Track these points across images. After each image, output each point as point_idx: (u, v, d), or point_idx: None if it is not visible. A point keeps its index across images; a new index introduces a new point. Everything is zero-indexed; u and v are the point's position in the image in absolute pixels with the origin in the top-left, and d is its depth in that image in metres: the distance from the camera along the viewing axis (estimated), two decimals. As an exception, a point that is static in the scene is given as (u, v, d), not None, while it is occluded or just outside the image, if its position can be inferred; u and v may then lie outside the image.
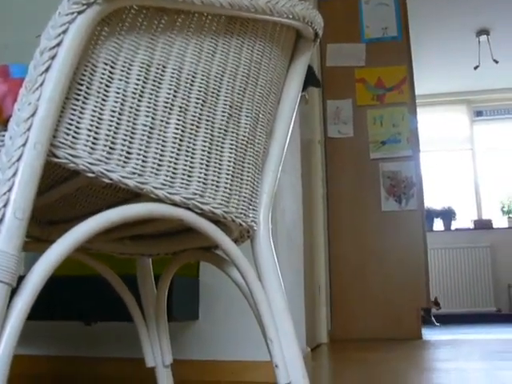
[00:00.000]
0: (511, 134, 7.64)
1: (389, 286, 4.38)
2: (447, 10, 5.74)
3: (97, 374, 2.24)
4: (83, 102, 0.79)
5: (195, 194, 0.91)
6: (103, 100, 0.81)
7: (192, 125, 0.91)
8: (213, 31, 0.94)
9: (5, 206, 0.69)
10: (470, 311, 6.87)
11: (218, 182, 0.95)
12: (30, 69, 0.75)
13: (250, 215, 1.03)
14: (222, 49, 0.96)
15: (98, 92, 0.81)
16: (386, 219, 4.48)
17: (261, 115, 1.05)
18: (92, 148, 0.79)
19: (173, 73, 0.89)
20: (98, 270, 1.34)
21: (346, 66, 4.70)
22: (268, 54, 1.05)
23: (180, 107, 0.89)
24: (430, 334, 4.75)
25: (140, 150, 0.84)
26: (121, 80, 0.83)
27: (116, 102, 0.82)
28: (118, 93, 0.83)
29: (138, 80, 0.85)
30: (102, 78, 0.81)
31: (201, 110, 0.92)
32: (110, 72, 0.82)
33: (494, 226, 7.21)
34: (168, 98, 0.88)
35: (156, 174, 0.86)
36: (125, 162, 0.83)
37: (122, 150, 0.83)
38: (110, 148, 0.81)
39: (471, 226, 7.30)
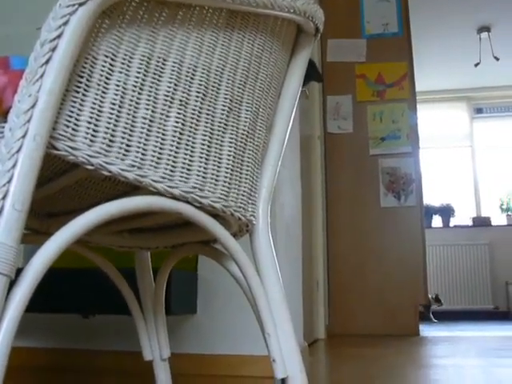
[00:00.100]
0: (511, 132, 7.64)
1: (387, 282, 4.39)
2: (448, 6, 5.73)
3: (95, 367, 2.25)
4: (83, 95, 0.79)
5: (194, 187, 0.91)
6: (103, 92, 0.81)
7: (192, 118, 0.91)
8: (214, 25, 0.94)
9: (4, 197, 0.69)
10: (468, 308, 6.88)
11: (217, 175, 0.95)
12: (30, 60, 0.74)
13: (249, 209, 1.03)
14: (222, 43, 0.95)
15: (99, 84, 0.81)
16: (384, 215, 4.49)
17: (261, 110, 1.05)
18: (91, 140, 0.79)
19: (173, 66, 0.89)
20: (97, 263, 1.34)
21: (346, 61, 4.70)
22: (269, 48, 1.04)
23: (180, 101, 0.89)
24: (427, 331, 4.76)
25: (139, 142, 0.84)
26: (121, 73, 0.83)
27: (116, 94, 0.82)
28: (118, 85, 0.82)
29: (139, 73, 0.85)
30: (103, 71, 0.81)
31: (201, 103, 0.92)
32: (111, 64, 0.82)
33: (493, 223, 7.21)
34: (168, 92, 0.88)
35: (155, 167, 0.86)
36: (124, 154, 0.83)
37: (122, 143, 0.82)
38: (110, 141, 0.81)
39: (470, 223, 7.30)
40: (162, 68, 0.87)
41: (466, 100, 7.78)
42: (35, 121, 0.72)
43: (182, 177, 0.89)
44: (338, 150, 4.62)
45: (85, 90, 0.79)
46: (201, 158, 0.92)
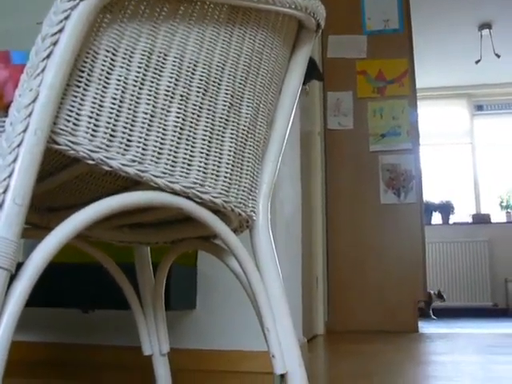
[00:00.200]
0: (511, 129, 7.63)
1: (386, 279, 4.39)
2: (449, 3, 5.72)
3: (94, 362, 2.25)
4: (84, 89, 0.79)
5: (195, 183, 0.91)
6: (104, 87, 0.81)
7: (193, 114, 0.91)
8: (215, 20, 0.94)
9: (4, 191, 0.69)
10: (467, 305, 6.89)
11: (218, 171, 0.95)
12: (31, 55, 0.74)
13: (250, 205, 1.03)
14: (223, 38, 0.95)
15: (100, 79, 0.81)
16: (384, 212, 4.49)
17: (262, 105, 1.05)
18: (92, 135, 0.79)
19: (174, 61, 0.89)
20: (97, 258, 1.34)
21: (347, 57, 4.70)
22: (270, 44, 1.04)
23: (181, 96, 0.89)
24: (426, 328, 4.77)
25: (140, 137, 0.84)
26: (122, 67, 0.83)
27: (117, 89, 0.82)
28: (119, 80, 0.82)
29: (140, 68, 0.85)
30: (104, 66, 0.81)
31: (202, 99, 0.92)
32: (112, 59, 0.82)
33: (493, 220, 7.22)
34: (169, 87, 0.88)
35: (156, 163, 0.86)
36: (125, 149, 0.83)
37: (123, 138, 0.82)
38: (111, 135, 0.81)
39: (469, 220, 7.30)
40: (162, 63, 0.87)
41: (467, 97, 7.78)
42: (36, 115, 0.72)
43: (182, 172, 0.89)
44: (339, 146, 4.62)
45: (86, 84, 0.79)
46: (201, 153, 0.92)
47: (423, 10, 5.64)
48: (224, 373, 2.09)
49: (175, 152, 0.89)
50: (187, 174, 0.90)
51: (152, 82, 0.86)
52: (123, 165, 0.82)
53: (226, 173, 0.97)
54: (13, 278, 0.70)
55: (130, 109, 0.83)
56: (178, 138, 0.89)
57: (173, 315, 2.19)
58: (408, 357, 2.64)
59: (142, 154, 0.84)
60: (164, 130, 0.87)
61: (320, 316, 4.07)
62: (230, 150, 0.97)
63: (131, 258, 1.43)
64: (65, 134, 0.77)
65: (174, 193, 0.89)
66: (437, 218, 7.37)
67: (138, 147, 0.84)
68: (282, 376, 1.01)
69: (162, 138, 0.87)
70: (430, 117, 7.49)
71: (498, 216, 7.33)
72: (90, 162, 0.80)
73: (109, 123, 0.81)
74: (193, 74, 0.91)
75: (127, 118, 0.83)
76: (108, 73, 0.82)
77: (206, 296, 2.23)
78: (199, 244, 1.24)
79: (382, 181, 4.53)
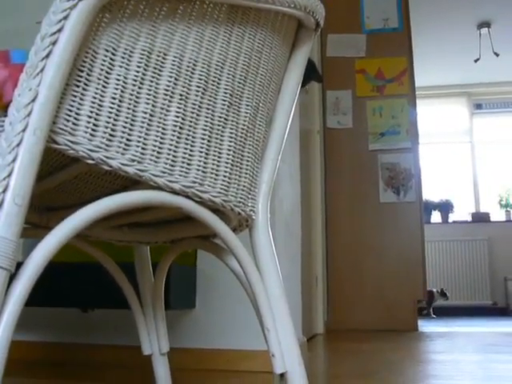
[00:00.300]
0: (510, 128, 7.64)
1: (385, 278, 4.39)
2: (448, 2, 5.73)
3: (94, 361, 2.25)
4: (83, 89, 0.79)
5: (194, 182, 0.91)
6: (104, 87, 0.81)
7: (192, 113, 0.91)
8: (214, 20, 0.94)
9: (4, 191, 0.69)
10: (467, 304, 6.89)
11: (217, 170, 0.95)
12: (30, 54, 0.74)
13: (249, 204, 1.03)
14: (223, 37, 0.95)
15: (99, 79, 0.81)
16: (383, 211, 4.49)
17: (261, 104, 1.05)
18: (92, 135, 0.79)
19: (174, 61, 0.89)
20: (97, 257, 1.34)
21: (346, 56, 4.70)
22: (269, 43, 1.04)
23: (180, 95, 0.89)
24: (425, 326, 4.77)
25: (140, 137, 0.84)
26: (121, 67, 0.83)
27: (116, 88, 0.82)
28: (118, 80, 0.82)
29: (139, 67, 0.85)
30: (103, 65, 0.81)
31: (201, 98, 0.92)
32: (111, 59, 0.82)
33: (492, 219, 7.22)
34: (168, 86, 0.88)
35: (155, 162, 0.86)
36: (124, 149, 0.83)
37: (122, 137, 0.82)
38: (110, 135, 0.81)
39: (469, 218, 7.31)
40: (162, 62, 0.87)
41: (466, 96, 7.78)
42: (35, 115, 0.72)
43: (182, 171, 0.89)
44: (338, 145, 4.62)
45: (85, 84, 0.79)
46: (201, 152, 0.92)
47: (422, 9, 5.64)
48: (224, 372, 2.09)
49: (174, 151, 0.89)
50: (186, 173, 0.90)
51: (151, 81, 0.86)
52: (123, 164, 0.82)
53: (226, 172, 0.97)
54: (12, 277, 0.70)
55: (129, 108, 0.83)
56: (178, 137, 0.89)
57: (172, 315, 2.19)
58: (408, 356, 2.64)
59: (142, 154, 0.84)
60: (163, 129, 0.87)
61: (320, 315, 4.07)
62: (229, 149, 0.97)
63: (131, 258, 1.43)
64: (64, 134, 0.77)
65: (174, 192, 0.89)
66: (436, 217, 7.38)
67: (138, 146, 0.84)
68: (282, 375, 1.01)
69: (162, 138, 0.87)
70: (429, 115, 7.49)
71: (498, 215, 7.34)
72: (90, 161, 0.80)
73: (108, 123, 0.81)
74: (192, 73, 0.91)
75: (127, 118, 0.83)
76: (107, 72, 0.81)
77: (205, 295, 2.23)
78: (199, 243, 1.24)
79: (382, 179, 4.53)
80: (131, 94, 0.84)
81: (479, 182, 7.56)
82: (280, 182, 2.37)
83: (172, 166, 0.88)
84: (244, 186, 1.01)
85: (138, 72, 0.84)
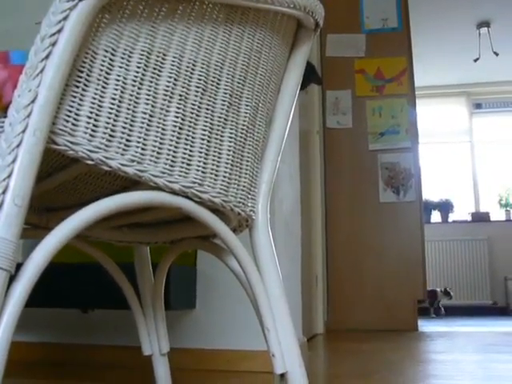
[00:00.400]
0: (510, 127, 7.64)
1: (385, 278, 4.39)
2: (448, 1, 5.72)
3: (94, 362, 2.25)
4: (83, 89, 0.79)
5: (194, 182, 0.91)
6: (103, 87, 0.81)
7: (192, 113, 0.91)
8: (213, 20, 0.94)
9: (4, 192, 0.69)
10: (467, 303, 6.89)
11: (217, 170, 0.95)
12: (30, 55, 0.74)
13: (249, 204, 1.03)
14: (222, 37, 0.95)
15: (98, 79, 0.81)
16: (383, 210, 4.49)
17: (260, 104, 1.05)
18: (91, 135, 0.79)
19: (173, 61, 0.89)
20: (96, 258, 1.34)
21: (345, 56, 4.70)
22: (268, 43, 1.04)
23: (180, 95, 0.89)
24: (425, 326, 4.77)
25: (139, 137, 0.84)
26: (121, 67, 0.83)
27: (116, 89, 0.82)
28: (118, 80, 0.82)
29: (139, 68, 0.85)
30: (103, 66, 0.81)
31: (201, 98, 0.92)
32: (111, 59, 0.82)
33: (492, 218, 7.22)
34: (168, 86, 0.88)
35: (155, 162, 0.86)
36: (124, 149, 0.83)
37: (122, 138, 0.82)
38: (110, 135, 0.81)
39: (469, 218, 7.30)
40: (161, 63, 0.87)
41: (466, 95, 7.78)
42: (35, 116, 0.72)
43: (181, 172, 0.89)
44: (338, 145, 4.62)
45: (85, 84, 0.79)
46: (200, 152, 0.92)
47: (422, 9, 5.64)
48: (224, 372, 2.09)
49: (174, 152, 0.89)
50: (186, 173, 0.90)
51: (151, 81, 0.86)
52: (122, 165, 0.82)
53: (225, 172, 0.97)
54: (12, 278, 0.70)
55: (129, 109, 0.83)
56: (177, 137, 0.89)
57: (172, 315, 2.19)
58: (408, 355, 2.64)
59: (141, 154, 0.84)
60: (163, 129, 0.87)
61: (320, 315, 4.07)
62: (229, 150, 0.97)
63: (131, 258, 1.43)
64: (64, 135, 0.77)
65: (173, 192, 0.89)
66: (436, 217, 7.38)
67: (137, 147, 0.84)
68: (282, 375, 1.01)
69: (161, 138, 0.87)
70: (428, 115, 7.49)
71: (498, 214, 7.34)
72: (89, 162, 0.80)
73: (108, 123, 0.81)
74: (191, 73, 0.91)
75: (126, 118, 0.83)
76: (107, 73, 0.81)
77: (205, 295, 2.23)
78: (198, 244, 1.24)
79: (381, 179, 4.53)
80: (131, 95, 0.84)
81: (479, 181, 7.55)
82: (280, 182, 2.37)
83: (172, 166, 0.88)
84: (244, 186, 1.01)
85: (137, 72, 0.84)
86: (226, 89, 0.96)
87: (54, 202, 1.17)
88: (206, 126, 0.93)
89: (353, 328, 4.27)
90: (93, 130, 0.79)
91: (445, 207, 7.35)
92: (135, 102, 0.84)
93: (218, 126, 0.95)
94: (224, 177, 0.96)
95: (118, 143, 0.82)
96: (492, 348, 2.93)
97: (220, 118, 0.95)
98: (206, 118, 0.93)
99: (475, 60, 6.62)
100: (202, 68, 0.92)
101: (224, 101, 0.96)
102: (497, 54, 6.45)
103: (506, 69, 7.15)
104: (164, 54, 0.88)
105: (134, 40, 0.84)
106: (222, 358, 2.14)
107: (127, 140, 0.83)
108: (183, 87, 0.90)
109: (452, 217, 7.37)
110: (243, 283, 1.06)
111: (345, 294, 4.40)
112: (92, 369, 2.16)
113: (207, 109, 0.93)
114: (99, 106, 0.80)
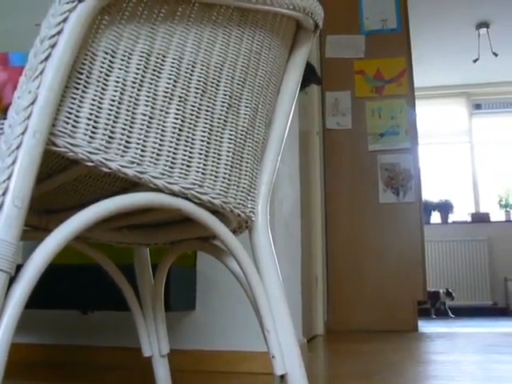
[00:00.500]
0: (510, 128, 7.64)
1: (385, 278, 4.39)
2: (447, 2, 5.73)
3: (94, 363, 2.25)
4: (83, 91, 0.79)
5: (194, 183, 0.91)
6: (103, 89, 0.81)
7: (191, 114, 0.91)
8: (213, 21, 0.94)
9: (4, 194, 0.69)
10: (467, 304, 6.89)
11: (216, 172, 0.95)
12: (30, 57, 0.74)
13: (249, 205, 1.03)
14: (222, 39, 0.95)
15: (98, 81, 0.81)
16: (383, 211, 4.49)
17: (260, 106, 1.05)
18: (91, 137, 0.79)
19: (173, 62, 0.89)
20: (96, 259, 1.34)
21: (345, 57, 4.70)
22: (268, 44, 1.04)
23: (180, 97, 0.89)
24: (425, 327, 4.77)
25: (139, 139, 0.84)
26: (121, 69, 0.83)
27: (116, 91, 0.82)
28: (117, 82, 0.82)
29: (138, 69, 0.85)
30: (102, 67, 0.81)
31: (200, 99, 0.92)
32: (110, 61, 0.82)
33: (492, 219, 7.22)
34: (168, 88, 0.88)
35: (155, 164, 0.86)
36: (124, 151, 0.83)
37: (121, 139, 0.82)
38: (110, 137, 0.81)
39: (468, 219, 7.31)
40: (161, 64, 0.87)
41: (465, 96, 7.78)
42: (35, 117, 0.72)
43: (181, 173, 0.89)
44: (337, 146, 4.62)
45: (84, 86, 0.79)
46: (200, 154, 0.92)
47: (421, 10, 5.64)
48: (224, 373, 2.09)
49: (174, 153, 0.89)
50: (186, 174, 0.90)
51: (150, 83, 0.86)
52: (122, 166, 0.82)
53: (225, 173, 0.97)
54: (12, 280, 0.70)
55: (128, 110, 0.83)
56: (177, 139, 0.89)
57: (172, 316, 2.18)
58: (408, 356, 2.64)
59: (141, 156, 0.84)
60: (163, 131, 0.87)
61: (320, 316, 4.07)
62: (228, 151, 0.97)
63: (130, 260, 1.43)
64: (64, 136, 0.77)
65: (173, 194, 0.89)
66: (436, 217, 7.38)
67: (137, 148, 0.84)
68: (282, 377, 1.01)
69: (161, 139, 0.87)
70: (428, 116, 7.49)
71: (497, 215, 7.34)
72: (89, 163, 0.80)
73: (107, 125, 0.81)
74: (191, 75, 0.91)
75: (126, 120, 0.83)
76: (106, 74, 0.82)
77: (205, 297, 2.23)
78: (198, 245, 1.24)
79: (381, 180, 4.53)
80: (130, 96, 0.84)
81: (479, 182, 7.56)
82: (280, 183, 2.37)
83: (171, 167, 0.88)
84: (243, 188, 1.01)
85: (137, 74, 0.84)
86: (225, 90, 0.96)
87: (54, 204, 1.17)
88: (205, 127, 0.93)
89: (353, 329, 4.27)
90: (92, 132, 0.79)
91: (445, 208, 7.36)
92: (135, 104, 0.84)
93: (218, 127, 0.95)
94: (224, 178, 0.96)
95: (118, 145, 0.82)
96: (492, 349, 2.93)
97: (220, 119, 0.95)
98: (206, 119, 0.93)
99: (475, 61, 6.63)
100: (202, 69, 0.92)
101: (224, 102, 0.96)
102: (496, 55, 6.45)
103: (505, 69, 7.15)
104: (164, 56, 0.88)
105: (133, 41, 0.84)
106: (222, 360, 2.14)
107: (127, 141, 0.83)
108: (183, 89, 0.90)
109: (452, 217, 7.37)
110: (243, 284, 1.06)
111: (345, 295, 4.40)
112: (92, 370, 2.16)
113: (207, 110, 0.93)
114: (99, 107, 0.80)
